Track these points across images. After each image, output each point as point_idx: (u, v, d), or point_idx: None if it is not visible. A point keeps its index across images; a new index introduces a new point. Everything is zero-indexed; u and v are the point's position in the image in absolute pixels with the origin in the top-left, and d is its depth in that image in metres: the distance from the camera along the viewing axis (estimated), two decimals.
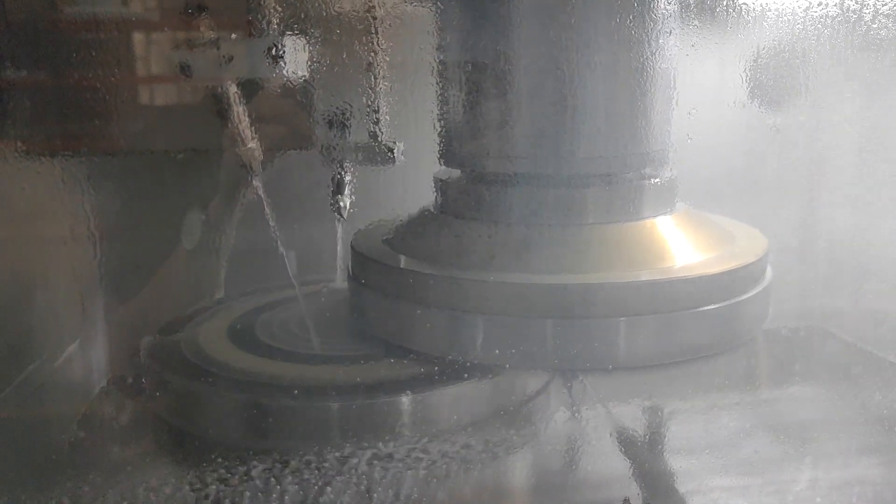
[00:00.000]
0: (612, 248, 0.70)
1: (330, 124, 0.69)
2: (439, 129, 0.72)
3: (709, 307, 0.67)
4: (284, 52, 0.54)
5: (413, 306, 0.69)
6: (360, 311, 0.73)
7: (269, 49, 0.54)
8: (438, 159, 0.73)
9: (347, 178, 0.78)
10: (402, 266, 0.70)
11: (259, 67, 0.55)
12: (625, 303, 0.66)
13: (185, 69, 0.56)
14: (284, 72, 0.54)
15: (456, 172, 0.73)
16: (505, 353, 0.67)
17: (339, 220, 0.81)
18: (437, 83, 0.70)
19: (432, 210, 0.76)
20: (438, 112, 0.71)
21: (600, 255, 0.69)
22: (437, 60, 0.69)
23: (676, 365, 0.69)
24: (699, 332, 0.67)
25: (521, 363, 0.67)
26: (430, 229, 0.74)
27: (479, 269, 0.69)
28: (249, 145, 0.60)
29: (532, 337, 0.66)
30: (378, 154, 0.76)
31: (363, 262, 0.73)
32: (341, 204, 0.80)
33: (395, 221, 0.78)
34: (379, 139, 0.75)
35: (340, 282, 0.84)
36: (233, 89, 0.58)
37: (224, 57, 0.55)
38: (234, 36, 0.55)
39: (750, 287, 0.70)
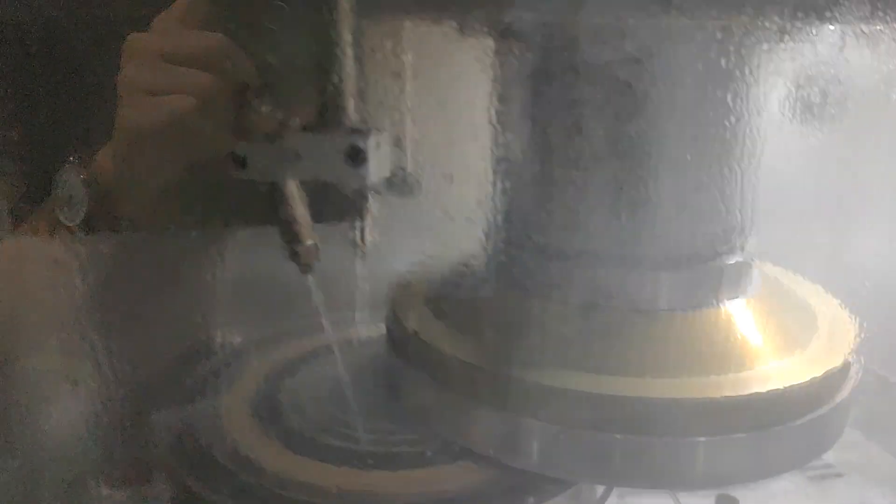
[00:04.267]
0: (685, 342, 0.62)
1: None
2: (494, 192, 0.62)
3: (801, 420, 0.61)
4: (368, 154, 0.43)
5: (463, 400, 0.61)
6: (404, 394, 0.65)
7: (350, 150, 0.43)
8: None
9: (372, 207, 0.68)
10: (455, 356, 0.61)
11: (333, 169, 0.44)
12: (704, 421, 0.59)
13: (238, 161, 0.44)
14: (367, 177, 0.43)
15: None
16: (566, 465, 0.59)
17: (360, 253, 0.71)
18: (496, 148, 0.59)
19: (476, 271, 0.66)
20: (496, 177, 0.61)
21: (672, 351, 0.62)
22: (499, 122, 0.59)
23: None
24: (791, 448, 0.61)
25: (584, 478, 0.60)
26: (480, 302, 0.65)
27: (537, 362, 0.61)
28: (308, 243, 0.49)
29: (596, 451, 0.59)
30: (406, 185, 0.65)
31: (408, 339, 0.64)
32: (364, 234, 0.69)
33: (436, 279, 0.68)
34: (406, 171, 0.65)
35: (361, 323, 0.74)
36: (294, 185, 0.47)
37: (290, 153, 0.43)
38: (303, 129, 0.44)
39: (842, 385, 0.63)
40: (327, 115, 0.43)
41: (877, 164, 0.76)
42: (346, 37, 0.42)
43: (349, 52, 0.43)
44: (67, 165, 0.52)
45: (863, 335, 0.65)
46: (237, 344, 0.71)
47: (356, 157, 0.44)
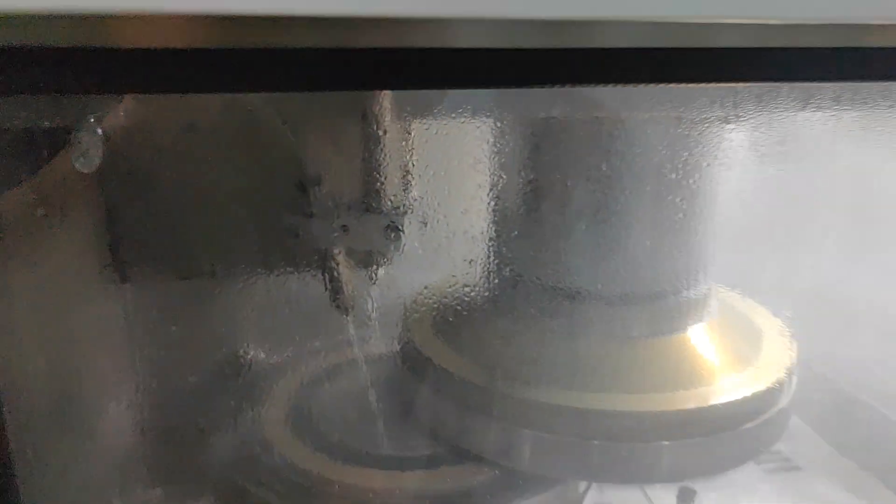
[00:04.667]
0: (652, 364, 0.75)
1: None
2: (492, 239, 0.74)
3: (747, 425, 0.74)
4: (402, 231, 0.54)
5: (463, 410, 0.73)
6: (413, 404, 0.77)
7: (388, 227, 0.55)
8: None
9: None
10: (455, 373, 0.73)
11: (374, 241, 0.55)
12: (670, 428, 0.71)
13: (292, 232, 0.55)
14: (401, 249, 0.55)
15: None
16: (552, 467, 0.72)
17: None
18: (496, 205, 0.71)
19: (474, 302, 0.78)
20: (494, 228, 0.73)
21: (641, 372, 0.74)
22: (500, 187, 0.71)
23: None
24: (738, 449, 0.74)
25: (568, 477, 0.73)
26: (477, 327, 0.77)
27: (526, 380, 0.73)
28: (347, 294, 0.61)
29: (578, 455, 0.71)
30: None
31: (417, 356, 0.76)
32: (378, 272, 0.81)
33: (440, 306, 0.80)
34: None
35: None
36: (341, 252, 0.58)
37: (339, 227, 0.55)
38: (350, 209, 0.55)
39: (784, 393, 0.76)
40: (371, 198, 0.55)
41: (819, 202, 0.88)
42: (387, 137, 0.53)
43: (388, 148, 0.54)
44: (85, 122, 0.61)
45: (799, 352, 0.78)
46: (270, 361, 0.82)
47: (393, 233, 0.55)
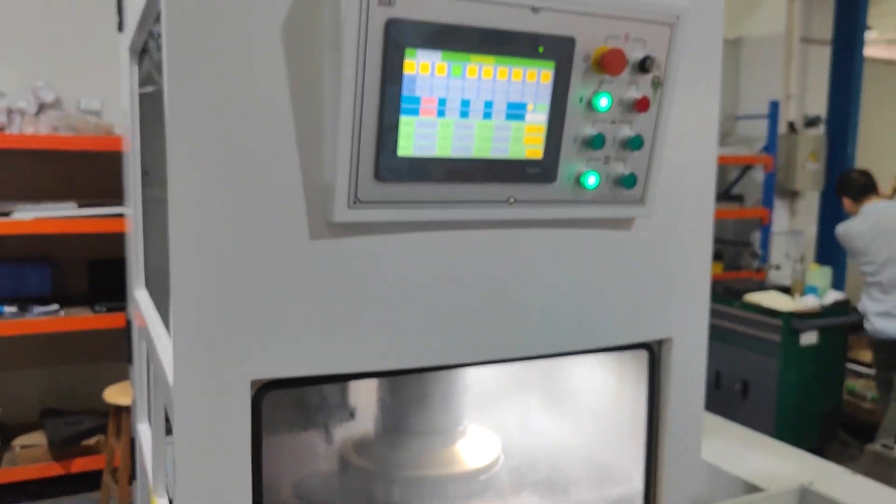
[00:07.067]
0: (419, 456, 1.91)
1: None
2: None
3: (482, 477, 1.91)
4: (354, 416, 1.69)
5: (369, 480, 1.87)
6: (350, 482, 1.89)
7: (350, 413, 1.69)
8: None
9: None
10: (365, 468, 1.87)
11: (347, 417, 1.69)
12: (454, 480, 1.87)
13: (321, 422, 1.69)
14: (354, 418, 1.69)
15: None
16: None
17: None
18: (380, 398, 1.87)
19: (368, 435, 1.93)
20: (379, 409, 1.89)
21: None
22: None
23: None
24: (479, 486, 1.90)
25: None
26: (371, 445, 1.92)
27: (394, 459, 1.87)
28: (330, 432, 1.73)
29: (415, 491, 1.86)
30: None
31: (350, 465, 1.89)
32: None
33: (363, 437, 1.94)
34: None
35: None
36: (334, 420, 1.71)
37: (348, 415, 1.69)
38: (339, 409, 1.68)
39: (494, 466, 1.95)
40: (347, 407, 1.69)
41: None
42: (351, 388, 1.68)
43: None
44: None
45: (502, 452, 1.96)
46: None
47: (351, 416, 1.70)
